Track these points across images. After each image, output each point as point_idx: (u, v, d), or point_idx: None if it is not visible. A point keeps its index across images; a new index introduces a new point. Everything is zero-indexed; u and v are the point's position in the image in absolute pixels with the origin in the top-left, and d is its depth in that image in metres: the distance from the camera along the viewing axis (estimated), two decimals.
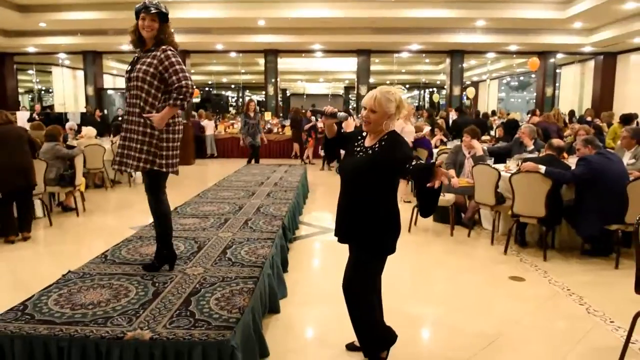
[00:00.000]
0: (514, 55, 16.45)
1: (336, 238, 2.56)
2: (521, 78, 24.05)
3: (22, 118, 14.16)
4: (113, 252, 3.46)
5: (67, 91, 19.00)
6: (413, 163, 2.17)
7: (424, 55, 17.17)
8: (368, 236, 2.41)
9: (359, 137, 2.52)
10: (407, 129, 7.03)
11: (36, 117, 13.57)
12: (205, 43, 14.47)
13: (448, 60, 15.91)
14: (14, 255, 4.79)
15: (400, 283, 3.98)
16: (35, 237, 5.35)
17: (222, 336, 2.17)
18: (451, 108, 14.46)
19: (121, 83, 19.91)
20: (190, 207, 5.07)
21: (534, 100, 17.25)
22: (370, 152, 2.40)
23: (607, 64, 15.34)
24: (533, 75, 21.57)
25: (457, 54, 15.53)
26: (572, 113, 13.95)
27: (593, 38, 13.28)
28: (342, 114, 2.54)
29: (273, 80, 15.68)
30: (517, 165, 5.72)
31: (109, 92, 17.08)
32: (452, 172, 6.05)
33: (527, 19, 11.90)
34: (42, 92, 21.88)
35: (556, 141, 4.93)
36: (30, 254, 4.85)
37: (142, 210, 7.38)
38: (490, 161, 5.79)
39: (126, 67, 3.16)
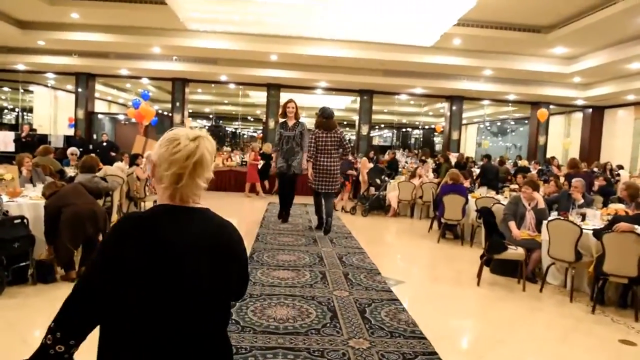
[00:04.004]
0: (510, 104, 17.03)
1: None
2: (497, 124, 24.76)
3: (5, 139, 13.20)
4: None
5: (47, 111, 18.01)
6: None
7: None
8: None
9: None
10: None
11: (23, 138, 12.60)
12: (208, 73, 14.15)
13: (447, 105, 16.28)
14: None
15: (502, 343, 3.75)
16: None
17: None
18: (450, 152, 14.67)
19: (102, 107, 19.13)
20: (265, 254, 4.69)
21: (511, 146, 17.79)
22: None
23: (595, 116, 16.10)
24: (512, 122, 22.39)
25: (457, 100, 15.90)
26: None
27: (588, 93, 13.94)
28: None
29: (274, 113, 15.46)
30: (581, 219, 5.73)
31: (99, 116, 16.28)
32: (512, 223, 5.98)
33: (531, 71, 12.37)
34: (6, 110, 20.63)
35: None
36: None
37: None
38: (554, 214, 5.75)
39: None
